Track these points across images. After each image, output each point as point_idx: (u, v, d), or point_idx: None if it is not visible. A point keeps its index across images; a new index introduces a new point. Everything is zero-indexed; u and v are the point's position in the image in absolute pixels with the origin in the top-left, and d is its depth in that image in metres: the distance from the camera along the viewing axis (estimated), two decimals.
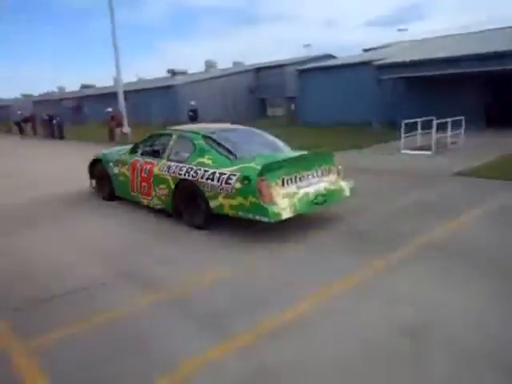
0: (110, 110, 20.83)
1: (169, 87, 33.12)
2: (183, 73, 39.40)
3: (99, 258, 4.68)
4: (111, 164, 7.01)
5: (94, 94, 44.47)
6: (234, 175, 4.90)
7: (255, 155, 5.32)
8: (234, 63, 41.28)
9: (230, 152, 5.37)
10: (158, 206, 6.06)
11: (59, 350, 2.93)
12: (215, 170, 5.13)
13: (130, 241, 5.21)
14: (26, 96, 66.10)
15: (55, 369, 2.73)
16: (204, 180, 5.20)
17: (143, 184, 6.25)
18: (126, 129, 18.97)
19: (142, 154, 6.55)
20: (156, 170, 5.97)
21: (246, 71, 34.43)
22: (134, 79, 47.56)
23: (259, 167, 4.74)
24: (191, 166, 5.45)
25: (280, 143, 6.14)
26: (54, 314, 3.45)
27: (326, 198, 5.17)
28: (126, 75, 66.48)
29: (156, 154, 6.27)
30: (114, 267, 4.37)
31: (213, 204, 5.14)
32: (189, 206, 5.54)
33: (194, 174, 5.33)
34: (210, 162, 5.32)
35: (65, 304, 3.61)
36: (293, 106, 27.49)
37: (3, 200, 7.83)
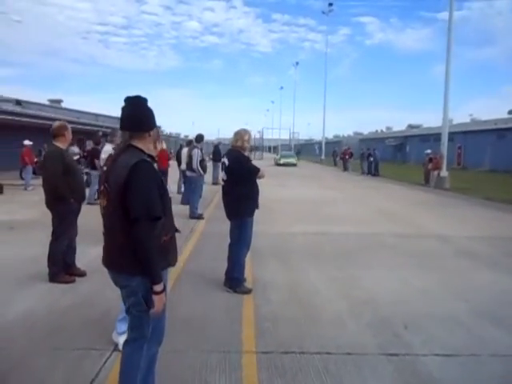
0: (429, 151, 20.04)
1: (507, 130, 29.96)
2: None
3: None
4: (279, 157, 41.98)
5: (418, 134, 44.93)
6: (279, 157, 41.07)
7: (284, 155, 41.29)
8: None
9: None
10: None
11: None
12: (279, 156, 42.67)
13: None
14: (356, 134, 74.64)
15: None
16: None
17: None
18: (444, 173, 17.54)
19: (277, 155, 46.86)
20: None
21: None
22: (467, 120, 45.52)
23: (279, 156, 41.80)
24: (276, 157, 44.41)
25: (293, 154, 43.32)
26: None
27: (290, 161, 37.79)
28: (458, 115, 65.21)
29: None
30: None
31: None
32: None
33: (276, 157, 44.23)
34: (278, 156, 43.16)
35: None
36: None
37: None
